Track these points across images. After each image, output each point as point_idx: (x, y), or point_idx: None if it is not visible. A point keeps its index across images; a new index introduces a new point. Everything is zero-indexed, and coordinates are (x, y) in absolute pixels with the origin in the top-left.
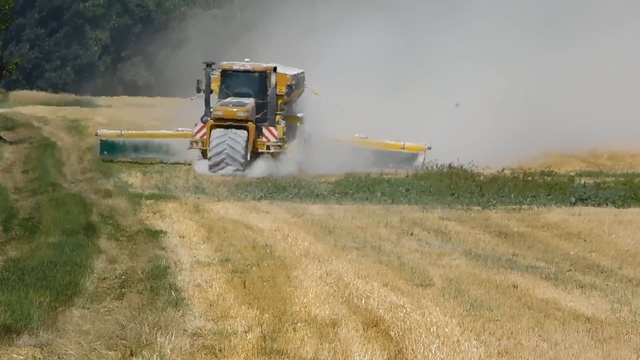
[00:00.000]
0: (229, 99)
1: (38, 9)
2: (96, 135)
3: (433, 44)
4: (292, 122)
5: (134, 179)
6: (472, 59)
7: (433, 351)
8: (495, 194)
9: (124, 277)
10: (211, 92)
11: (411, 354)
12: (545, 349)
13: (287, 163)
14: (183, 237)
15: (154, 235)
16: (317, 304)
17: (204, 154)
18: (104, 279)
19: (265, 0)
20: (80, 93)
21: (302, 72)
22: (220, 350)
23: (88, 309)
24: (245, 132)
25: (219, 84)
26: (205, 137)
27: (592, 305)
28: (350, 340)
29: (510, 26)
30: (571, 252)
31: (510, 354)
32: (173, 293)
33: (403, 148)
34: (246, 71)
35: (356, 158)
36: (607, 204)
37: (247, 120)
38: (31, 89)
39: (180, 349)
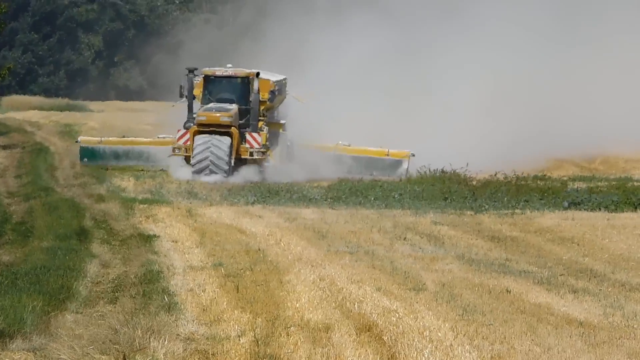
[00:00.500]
0: (211, 105)
1: (31, 13)
2: (76, 142)
3: (429, 48)
4: (275, 129)
5: (127, 183)
6: (466, 65)
7: (426, 356)
8: (488, 198)
9: (117, 281)
10: (194, 98)
11: (404, 358)
12: (538, 354)
13: (269, 170)
14: (176, 242)
15: (147, 239)
16: (310, 309)
17: (187, 160)
18: (97, 283)
19: (258, 5)
20: (73, 98)
21: (285, 78)
22: (213, 354)
23: (81, 313)
24: (229, 138)
25: (201, 89)
26: (188, 143)
27: (585, 310)
28: (343, 345)
29: (504, 34)
30: (564, 257)
31: (503, 358)
32: (166, 297)
33: (387, 155)
34: (229, 77)
35: (339, 165)
36: (600, 209)
37: (230, 126)
38: (24, 94)
39: (173, 353)
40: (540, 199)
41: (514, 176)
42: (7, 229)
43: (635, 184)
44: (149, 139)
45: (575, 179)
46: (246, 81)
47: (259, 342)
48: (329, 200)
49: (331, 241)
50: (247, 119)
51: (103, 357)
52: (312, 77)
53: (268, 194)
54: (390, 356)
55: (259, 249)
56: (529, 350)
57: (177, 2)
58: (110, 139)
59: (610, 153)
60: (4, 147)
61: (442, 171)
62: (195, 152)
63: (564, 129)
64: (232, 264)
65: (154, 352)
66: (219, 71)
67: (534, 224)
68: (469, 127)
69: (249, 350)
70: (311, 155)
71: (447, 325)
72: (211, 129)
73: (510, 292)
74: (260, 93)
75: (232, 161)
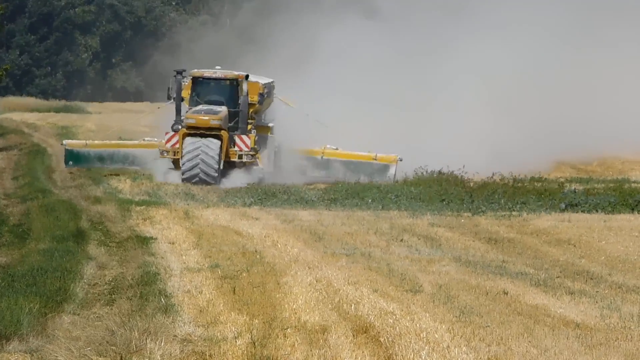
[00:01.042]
0: (200, 107)
1: (28, 15)
2: (62, 145)
3: (429, 51)
4: (263, 132)
5: (124, 185)
6: (465, 68)
7: (423, 357)
8: (485, 200)
9: (113, 283)
10: (182, 100)
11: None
12: (535, 355)
13: (258, 173)
14: (173, 244)
15: (144, 241)
16: (307, 310)
17: (175, 163)
18: (94, 285)
19: (255, 7)
20: (70, 99)
21: (272, 81)
22: (210, 356)
23: (78, 315)
24: (219, 141)
25: (189, 91)
26: (176, 146)
27: (582, 312)
28: (340, 347)
29: (504, 37)
30: (561, 259)
31: (500, 359)
32: (163, 299)
33: (375, 159)
34: (217, 79)
35: (326, 169)
36: (596, 210)
37: (220, 129)
38: (21, 95)
39: (170, 354)
40: (537, 201)
41: (511, 178)
42: (4, 231)
43: (632, 185)
44: (134, 142)
45: (572, 180)
46: (235, 83)
47: (256, 344)
48: (325, 202)
49: (328, 243)
50: (236, 121)
51: (100, 358)
52: (312, 80)
53: (265, 195)
54: (387, 358)
55: (256, 251)
56: (526, 352)
57: (174, 3)
58: (95, 141)
59: (608, 155)
60: (1, 149)
61: (439, 173)
62: (184, 157)
63: (562, 131)
64: (229, 266)
65: (150, 353)
66: (208, 73)
67: (531, 225)
68: (467, 129)
69: (245, 352)
70: (298, 159)
71: (444, 326)
72: (200, 131)
73: (507, 294)
74: (250, 95)
75: (222, 165)
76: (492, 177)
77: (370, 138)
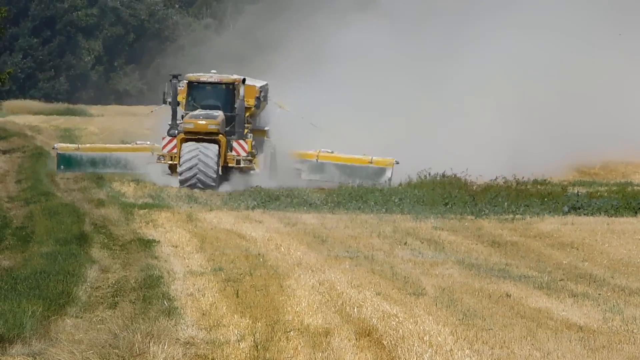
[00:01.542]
0: (197, 112)
1: (31, 18)
2: (53, 149)
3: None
4: (259, 136)
5: (127, 188)
6: (471, 72)
7: None
8: (488, 203)
9: (116, 286)
10: (178, 104)
11: None
12: (538, 358)
13: (255, 178)
14: (176, 247)
15: (147, 244)
16: (310, 313)
17: (171, 168)
18: (97, 288)
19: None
20: (73, 102)
21: (267, 84)
22: (213, 359)
23: (81, 318)
24: (217, 146)
25: (185, 96)
26: (174, 151)
27: (585, 315)
28: (343, 350)
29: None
30: (564, 262)
31: None
32: (166, 302)
33: (370, 162)
34: (213, 83)
35: (322, 173)
36: (599, 214)
37: (218, 133)
38: (24, 99)
39: (173, 358)
40: (540, 204)
41: (514, 181)
42: (7, 234)
43: (635, 188)
44: (126, 146)
45: (575, 183)
46: (231, 87)
47: (259, 347)
48: (329, 205)
49: (331, 246)
50: (233, 126)
51: None
52: (316, 82)
53: (268, 198)
54: None
55: (259, 254)
56: (529, 355)
57: (177, 6)
58: (87, 145)
59: (611, 158)
60: (4, 152)
61: (443, 176)
62: (182, 162)
63: (566, 133)
64: (232, 269)
65: (153, 356)
66: (204, 77)
67: (534, 228)
68: (474, 132)
69: (248, 355)
70: (293, 163)
71: (447, 329)
72: (198, 136)
73: (510, 297)
74: (246, 99)
75: (220, 170)
76: (495, 180)
77: (374, 142)
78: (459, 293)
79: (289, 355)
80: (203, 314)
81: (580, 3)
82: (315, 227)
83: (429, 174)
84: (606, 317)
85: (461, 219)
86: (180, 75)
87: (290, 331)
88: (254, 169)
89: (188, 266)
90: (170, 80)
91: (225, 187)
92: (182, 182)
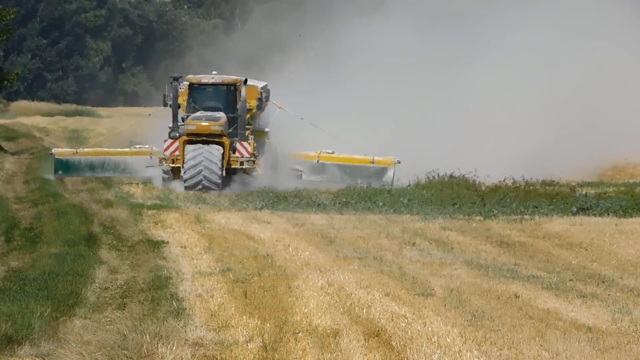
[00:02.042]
0: (199, 113)
1: (39, 19)
2: (50, 154)
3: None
4: (260, 137)
5: (135, 189)
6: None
7: None
8: (496, 203)
9: (125, 287)
10: (179, 106)
11: None
12: (547, 359)
13: (257, 180)
14: (184, 248)
15: (156, 245)
16: (319, 314)
17: (173, 171)
18: (106, 289)
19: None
20: (82, 103)
21: (267, 84)
22: None
23: (89, 319)
24: (221, 147)
25: (186, 97)
26: (176, 153)
27: (593, 315)
28: (352, 351)
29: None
30: (572, 262)
31: None
32: (174, 303)
33: (372, 162)
34: (215, 84)
35: (323, 174)
36: (608, 214)
37: (221, 135)
38: (32, 100)
39: (182, 359)
40: (549, 205)
41: (523, 181)
42: (15, 235)
43: None
44: (124, 149)
45: (584, 184)
46: (232, 88)
47: (267, 348)
48: (337, 205)
49: (339, 247)
50: (235, 127)
51: None
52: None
53: (276, 199)
54: None
55: (267, 255)
56: (537, 356)
57: (186, 7)
58: (86, 149)
59: (619, 158)
60: (13, 153)
61: (451, 176)
62: (187, 164)
63: (573, 134)
64: (241, 270)
65: (162, 357)
66: (205, 78)
67: (543, 229)
68: (485, 133)
69: (257, 356)
70: (294, 164)
71: (455, 330)
72: (202, 138)
73: (518, 298)
74: (248, 100)
75: (224, 172)
76: (503, 181)
77: (385, 143)
78: (467, 294)
79: (298, 356)
80: (211, 314)
81: (601, 1)
82: (323, 228)
83: (438, 175)
84: (615, 318)
85: (470, 220)
86: (180, 77)
87: (298, 332)
88: (256, 171)
89: (196, 267)
90: (171, 82)
91: (228, 190)
92: (186, 185)
